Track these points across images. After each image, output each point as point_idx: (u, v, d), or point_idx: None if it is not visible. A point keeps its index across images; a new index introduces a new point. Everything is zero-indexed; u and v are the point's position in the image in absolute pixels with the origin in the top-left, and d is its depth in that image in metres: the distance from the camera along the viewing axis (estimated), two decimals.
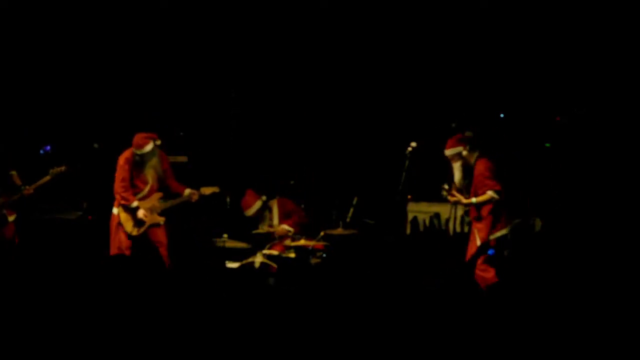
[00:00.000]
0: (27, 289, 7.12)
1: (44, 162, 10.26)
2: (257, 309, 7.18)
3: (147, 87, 12.28)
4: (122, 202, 9.77)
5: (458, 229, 10.65)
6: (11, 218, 9.87)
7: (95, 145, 10.51)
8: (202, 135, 12.38)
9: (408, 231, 11.29)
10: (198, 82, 12.42)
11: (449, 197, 9.19)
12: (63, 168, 9.67)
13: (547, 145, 11.74)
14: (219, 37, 12.25)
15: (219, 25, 12.16)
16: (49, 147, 10.12)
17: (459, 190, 9.20)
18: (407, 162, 9.74)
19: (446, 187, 9.13)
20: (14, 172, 9.82)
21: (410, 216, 11.27)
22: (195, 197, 9.88)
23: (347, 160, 12.19)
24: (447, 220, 10.67)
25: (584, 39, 11.24)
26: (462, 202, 9.18)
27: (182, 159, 11.52)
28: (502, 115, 12.16)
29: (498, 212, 9.09)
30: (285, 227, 10.41)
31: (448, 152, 9.32)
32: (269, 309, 7.16)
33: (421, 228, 11.22)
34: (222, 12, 12.09)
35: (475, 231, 9.18)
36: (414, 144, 9.83)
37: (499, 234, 9.12)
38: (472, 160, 9.23)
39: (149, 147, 9.73)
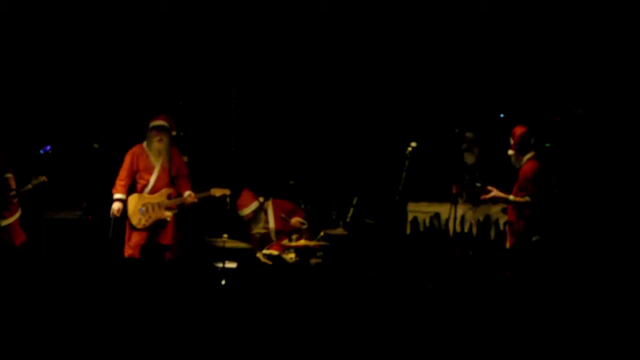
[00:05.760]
0: (27, 288, 7.14)
1: (44, 162, 10.28)
2: (257, 309, 7.18)
3: (147, 87, 12.28)
4: (113, 190, 9.91)
5: (458, 229, 10.65)
6: (13, 218, 9.86)
7: (95, 145, 10.50)
8: (202, 135, 12.38)
9: (408, 231, 11.29)
10: (198, 82, 12.42)
11: (483, 195, 9.19)
12: (44, 178, 9.78)
13: (547, 145, 11.74)
14: (219, 37, 12.25)
15: (219, 25, 12.16)
16: (49, 147, 10.12)
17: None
18: (407, 162, 9.75)
19: (479, 185, 9.13)
20: (10, 175, 9.82)
21: (410, 216, 11.27)
22: (189, 200, 9.99)
23: (347, 161, 12.19)
24: (447, 220, 10.67)
25: (584, 39, 11.24)
26: (499, 195, 9.19)
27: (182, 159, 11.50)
28: (502, 115, 12.16)
29: (532, 218, 9.10)
30: (299, 219, 10.40)
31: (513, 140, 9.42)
32: (268, 309, 7.17)
33: (421, 228, 11.22)
34: (222, 12, 12.09)
35: (508, 232, 9.22)
36: (414, 144, 9.84)
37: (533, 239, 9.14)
38: (523, 160, 9.26)
39: (166, 124, 9.98)
